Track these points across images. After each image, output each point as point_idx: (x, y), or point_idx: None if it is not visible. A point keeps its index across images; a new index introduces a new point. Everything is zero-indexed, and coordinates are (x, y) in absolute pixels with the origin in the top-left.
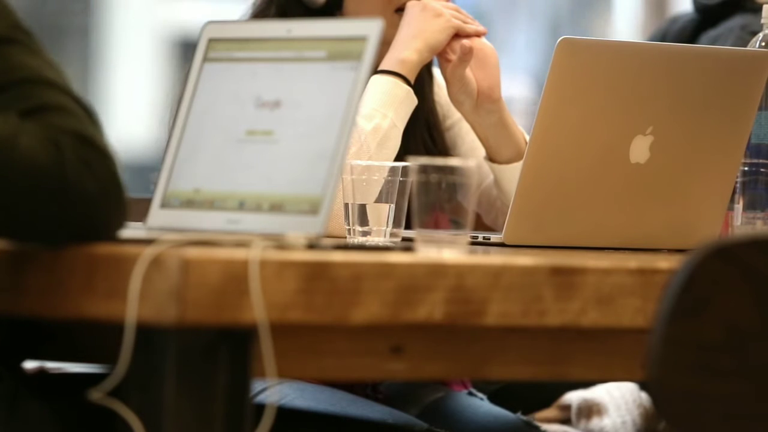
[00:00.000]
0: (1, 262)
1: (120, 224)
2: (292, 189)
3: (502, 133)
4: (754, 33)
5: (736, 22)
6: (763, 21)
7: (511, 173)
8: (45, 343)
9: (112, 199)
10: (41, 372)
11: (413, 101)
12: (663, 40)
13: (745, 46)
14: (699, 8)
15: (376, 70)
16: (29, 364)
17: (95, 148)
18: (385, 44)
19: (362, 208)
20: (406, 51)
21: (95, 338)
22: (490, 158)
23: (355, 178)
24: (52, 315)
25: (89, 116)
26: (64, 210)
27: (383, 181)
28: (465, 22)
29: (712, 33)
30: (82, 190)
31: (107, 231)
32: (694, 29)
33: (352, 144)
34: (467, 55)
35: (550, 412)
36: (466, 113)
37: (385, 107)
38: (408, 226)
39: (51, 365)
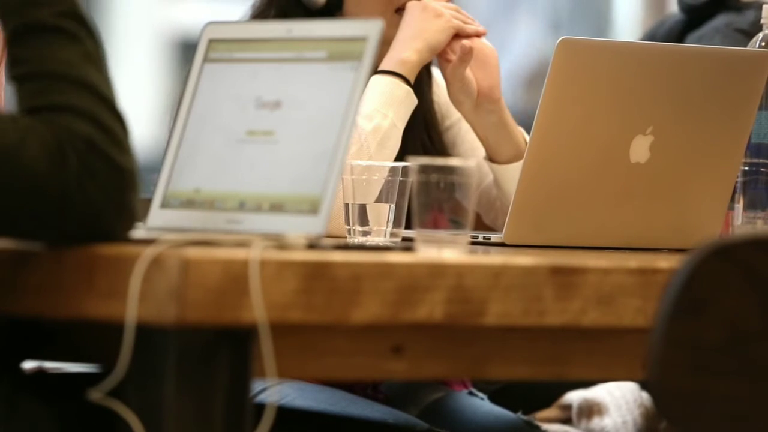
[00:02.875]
0: (1, 262)
1: (124, 235)
2: (292, 189)
3: (501, 132)
4: (739, 30)
5: (720, 21)
6: (762, 21)
7: (511, 173)
8: (44, 343)
9: (115, 211)
10: (40, 372)
11: (413, 101)
12: (652, 41)
13: (733, 44)
14: (684, 8)
15: (376, 70)
16: (28, 364)
17: (105, 159)
18: (385, 44)
19: (362, 208)
20: (407, 51)
21: (95, 338)
22: (490, 158)
23: (355, 178)
24: (52, 315)
25: (115, 124)
26: (64, 219)
27: (383, 181)
28: (465, 23)
29: (696, 33)
30: (84, 200)
31: (110, 240)
32: (681, 30)
33: (352, 144)
34: (467, 55)
35: (550, 411)
36: (466, 113)
37: (385, 107)
38: (408, 226)
39: (50, 365)
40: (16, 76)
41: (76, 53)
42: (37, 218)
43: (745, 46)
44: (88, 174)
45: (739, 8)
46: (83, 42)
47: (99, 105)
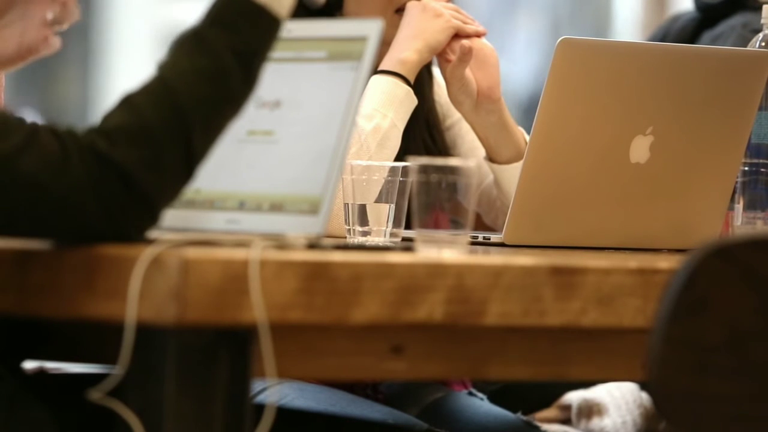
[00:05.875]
0: (1, 262)
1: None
2: (292, 189)
3: (501, 133)
4: (756, 31)
5: (737, 20)
6: (763, 21)
7: (511, 173)
8: (45, 343)
9: (114, 228)
10: (41, 372)
11: (413, 101)
12: (664, 39)
13: (747, 45)
14: (700, 7)
15: (376, 70)
16: (29, 364)
17: (116, 174)
18: (385, 44)
19: (362, 208)
20: (406, 51)
21: (95, 338)
22: (490, 158)
23: (355, 178)
24: (53, 315)
25: (176, 161)
26: (59, 228)
27: (383, 181)
28: (465, 23)
29: (713, 32)
30: (81, 213)
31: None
32: (695, 28)
33: (352, 144)
34: (467, 55)
35: (550, 412)
36: (465, 113)
37: (385, 107)
38: (408, 226)
39: (51, 365)
40: (158, 65)
41: (209, 93)
42: (33, 221)
43: None
44: (92, 189)
45: (757, 8)
46: (226, 85)
47: (177, 138)
